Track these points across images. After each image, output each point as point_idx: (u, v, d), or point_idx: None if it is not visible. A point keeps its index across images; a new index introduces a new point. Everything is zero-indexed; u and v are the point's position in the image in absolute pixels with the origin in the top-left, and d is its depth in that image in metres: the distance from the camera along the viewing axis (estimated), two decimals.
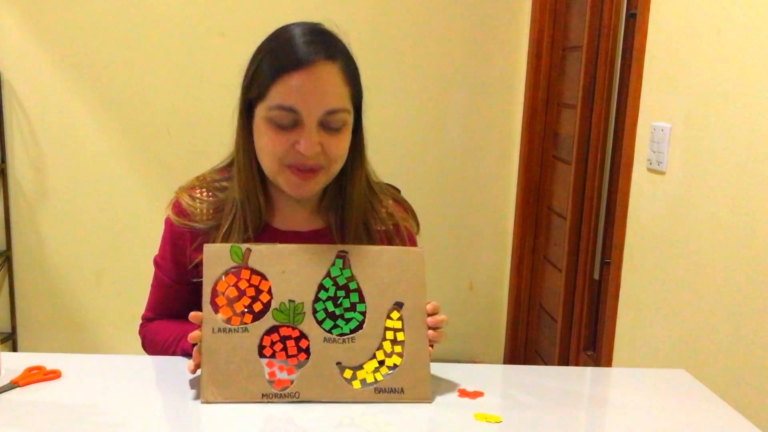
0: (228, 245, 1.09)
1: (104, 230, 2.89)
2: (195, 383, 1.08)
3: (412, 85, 2.89)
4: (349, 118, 1.15)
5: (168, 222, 1.24)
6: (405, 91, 2.89)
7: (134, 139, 2.84)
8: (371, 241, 1.23)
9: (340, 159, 1.16)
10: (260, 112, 1.13)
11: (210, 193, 1.24)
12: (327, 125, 1.12)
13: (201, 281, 1.20)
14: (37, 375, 1.09)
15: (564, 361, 2.40)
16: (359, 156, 1.21)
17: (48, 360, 1.14)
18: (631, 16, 1.96)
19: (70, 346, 2.93)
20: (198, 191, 1.24)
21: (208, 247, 1.09)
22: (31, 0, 2.72)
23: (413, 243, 1.31)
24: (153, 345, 1.26)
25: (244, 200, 1.18)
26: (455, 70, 2.90)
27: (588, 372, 1.43)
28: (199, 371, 1.06)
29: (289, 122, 1.11)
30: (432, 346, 1.10)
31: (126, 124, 2.83)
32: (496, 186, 3.00)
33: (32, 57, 2.75)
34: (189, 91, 2.81)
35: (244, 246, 1.09)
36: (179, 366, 1.15)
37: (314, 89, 1.10)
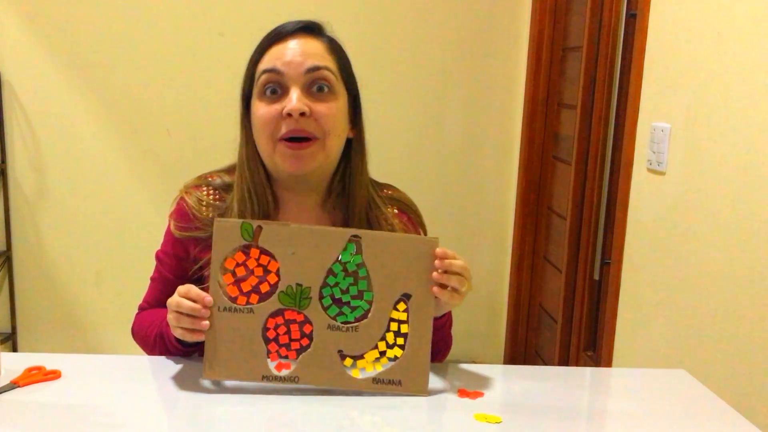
0: (239, 221, 1.07)
1: (104, 230, 2.89)
2: (194, 381, 1.08)
3: (412, 85, 2.89)
4: (337, 85, 1.17)
5: (173, 211, 1.25)
6: (405, 91, 2.89)
7: (134, 139, 2.84)
8: None
9: (334, 131, 1.16)
10: (254, 96, 1.17)
11: (216, 194, 1.24)
12: (313, 90, 1.14)
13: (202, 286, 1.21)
14: (37, 375, 1.09)
15: (564, 361, 2.40)
16: (360, 148, 1.22)
17: (48, 360, 1.14)
18: (631, 16, 1.96)
19: (70, 346, 2.93)
20: (204, 190, 1.24)
21: (218, 222, 1.07)
22: (31, 0, 2.72)
23: None
24: (139, 331, 1.26)
25: (251, 195, 1.18)
26: (455, 70, 2.90)
27: (588, 372, 1.43)
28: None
29: (278, 93, 1.14)
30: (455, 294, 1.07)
31: (126, 124, 2.83)
32: (496, 186, 3.00)
33: (32, 57, 2.75)
34: (189, 91, 2.81)
35: (256, 223, 1.07)
36: (179, 366, 1.15)
37: (294, 51, 1.15)
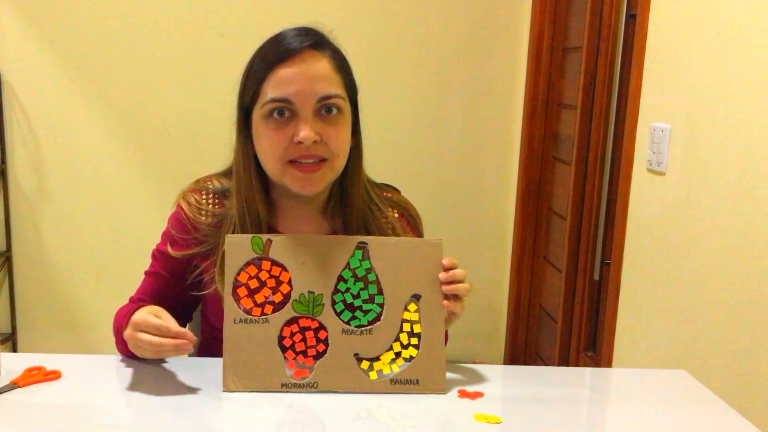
0: (249, 236, 1.10)
1: (104, 230, 2.89)
2: (195, 380, 1.08)
3: (412, 86, 2.89)
4: (345, 106, 1.16)
5: (171, 220, 1.24)
6: (405, 92, 2.89)
7: (134, 140, 2.84)
8: None
9: (342, 151, 1.17)
10: (257, 113, 1.15)
11: (215, 200, 1.23)
12: (322, 113, 1.13)
13: (197, 295, 1.21)
14: (37, 375, 1.09)
15: (564, 361, 2.40)
16: (358, 155, 1.22)
17: (48, 360, 1.14)
18: (631, 17, 1.96)
19: (70, 346, 2.93)
20: (203, 196, 1.23)
21: (229, 238, 1.10)
22: (31, 0, 2.72)
23: None
24: (114, 319, 1.22)
25: (244, 211, 1.17)
26: (455, 71, 2.90)
27: (588, 373, 1.43)
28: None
29: (285, 116, 1.12)
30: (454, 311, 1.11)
31: (126, 125, 2.83)
32: (496, 186, 3.00)
33: (32, 57, 2.75)
34: (189, 92, 2.81)
35: (265, 237, 1.10)
36: (180, 366, 1.15)
37: (304, 78, 1.12)
